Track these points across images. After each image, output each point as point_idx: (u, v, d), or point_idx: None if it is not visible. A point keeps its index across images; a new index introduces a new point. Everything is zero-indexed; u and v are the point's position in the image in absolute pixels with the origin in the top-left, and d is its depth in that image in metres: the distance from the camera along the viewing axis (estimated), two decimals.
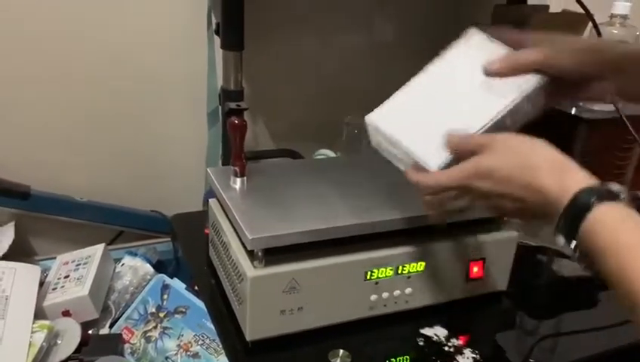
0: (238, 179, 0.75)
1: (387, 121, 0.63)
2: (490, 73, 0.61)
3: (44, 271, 0.92)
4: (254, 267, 0.65)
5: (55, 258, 0.97)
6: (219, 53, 0.93)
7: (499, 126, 0.60)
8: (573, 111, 1.04)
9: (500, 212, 0.57)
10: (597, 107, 1.02)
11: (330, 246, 0.68)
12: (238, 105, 0.94)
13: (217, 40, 0.93)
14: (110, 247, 0.99)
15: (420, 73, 0.64)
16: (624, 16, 0.98)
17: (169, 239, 1.09)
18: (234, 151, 0.73)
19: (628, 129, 1.00)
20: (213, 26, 0.93)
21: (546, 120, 1.07)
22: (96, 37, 0.99)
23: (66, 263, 0.94)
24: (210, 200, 0.81)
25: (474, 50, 0.63)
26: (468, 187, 0.57)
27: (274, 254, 0.65)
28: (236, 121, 0.72)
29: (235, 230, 0.70)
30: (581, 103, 1.05)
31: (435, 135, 0.60)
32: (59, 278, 0.90)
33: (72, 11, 0.96)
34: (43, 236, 1.06)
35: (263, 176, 0.78)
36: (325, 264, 0.67)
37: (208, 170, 0.79)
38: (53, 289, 0.87)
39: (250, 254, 0.65)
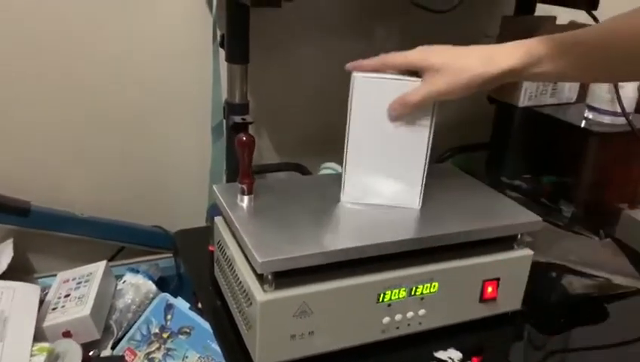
0: (246, 197, 0.72)
1: (358, 195, 0.75)
2: (395, 120, 0.70)
3: (44, 290, 0.90)
4: (264, 291, 0.62)
5: (55, 275, 0.95)
6: (224, 66, 0.91)
7: (430, 144, 0.72)
8: (583, 124, 1.02)
9: None
10: (608, 120, 1.01)
11: (342, 267, 0.66)
12: (244, 119, 0.92)
13: (222, 53, 0.91)
14: (111, 264, 0.97)
15: (346, 139, 0.73)
16: None
17: (171, 255, 1.06)
18: (242, 169, 0.71)
19: (639, 142, 0.98)
20: (218, 39, 0.91)
21: (556, 134, 1.07)
22: (99, 51, 0.97)
23: (67, 281, 0.91)
24: (216, 218, 0.78)
25: (371, 96, 0.70)
26: None
27: (284, 277, 0.63)
28: (244, 138, 0.69)
29: (243, 251, 0.68)
30: (590, 116, 1.03)
31: (398, 182, 0.74)
32: (59, 297, 0.87)
33: (74, 24, 0.94)
34: (42, 252, 1.04)
35: (271, 193, 0.76)
36: (337, 286, 0.65)
37: (214, 187, 0.77)
38: (54, 308, 0.85)
39: (260, 277, 0.63)
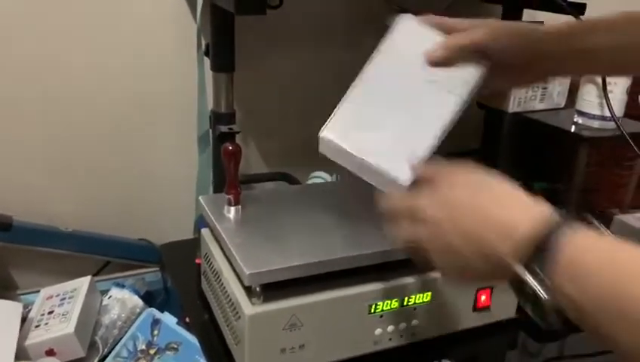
0: (233, 208, 0.71)
1: (345, 137, 0.58)
2: (432, 63, 0.59)
3: (27, 307, 0.87)
4: (252, 304, 0.61)
5: (38, 291, 0.92)
6: (209, 74, 0.90)
7: (452, 122, 0.59)
8: (573, 129, 1.02)
9: (449, 259, 0.49)
10: (597, 125, 1.00)
11: (332, 278, 0.64)
12: (230, 129, 0.91)
13: (207, 61, 0.90)
14: (96, 278, 0.95)
15: (361, 74, 0.60)
16: None
17: (158, 269, 1.04)
18: (228, 179, 0.70)
19: (629, 146, 0.98)
20: (203, 48, 0.89)
21: (546, 139, 1.06)
22: (82, 61, 0.95)
23: (50, 297, 0.89)
24: (202, 229, 0.76)
25: (409, 39, 0.60)
26: (417, 210, 0.51)
27: (273, 289, 0.61)
28: (230, 147, 0.68)
29: (230, 263, 0.66)
30: (580, 121, 1.03)
31: (397, 145, 0.57)
32: (42, 314, 0.85)
33: (56, 34, 0.92)
34: (24, 268, 1.01)
35: (258, 204, 0.74)
36: (327, 298, 0.63)
37: (200, 198, 0.75)
38: (37, 326, 0.83)
39: (248, 290, 0.61)
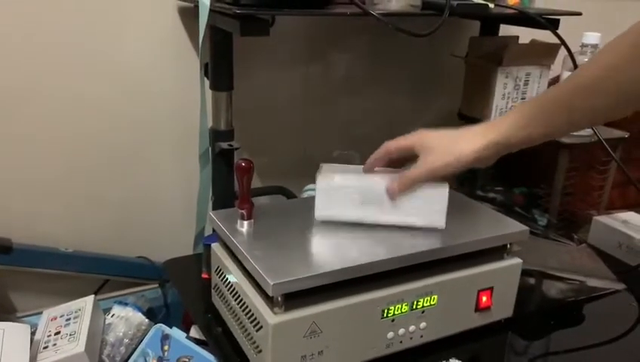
0: (245, 222, 0.73)
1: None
2: (394, 197, 0.74)
3: (31, 328, 0.87)
4: (274, 313, 0.63)
5: (39, 313, 0.92)
6: (208, 93, 0.92)
7: None
8: None
9: None
10: (575, 132, 1.06)
11: (347, 286, 0.67)
12: (230, 145, 0.93)
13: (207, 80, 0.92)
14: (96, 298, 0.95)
15: None
16: (595, 46, 1.03)
17: (157, 285, 1.05)
18: (241, 194, 0.72)
19: (603, 151, 1.04)
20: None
21: (529, 148, 1.11)
22: (80, 82, 0.96)
23: (54, 318, 0.89)
24: (213, 244, 0.78)
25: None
26: None
27: (292, 299, 0.64)
28: (243, 164, 0.70)
29: (248, 276, 0.68)
30: None
31: None
32: (49, 335, 0.85)
33: (53, 57, 0.93)
34: (23, 290, 1.01)
35: (266, 217, 0.77)
36: (344, 305, 0.66)
37: (211, 213, 0.77)
38: (45, 347, 0.83)
39: (269, 300, 0.63)
